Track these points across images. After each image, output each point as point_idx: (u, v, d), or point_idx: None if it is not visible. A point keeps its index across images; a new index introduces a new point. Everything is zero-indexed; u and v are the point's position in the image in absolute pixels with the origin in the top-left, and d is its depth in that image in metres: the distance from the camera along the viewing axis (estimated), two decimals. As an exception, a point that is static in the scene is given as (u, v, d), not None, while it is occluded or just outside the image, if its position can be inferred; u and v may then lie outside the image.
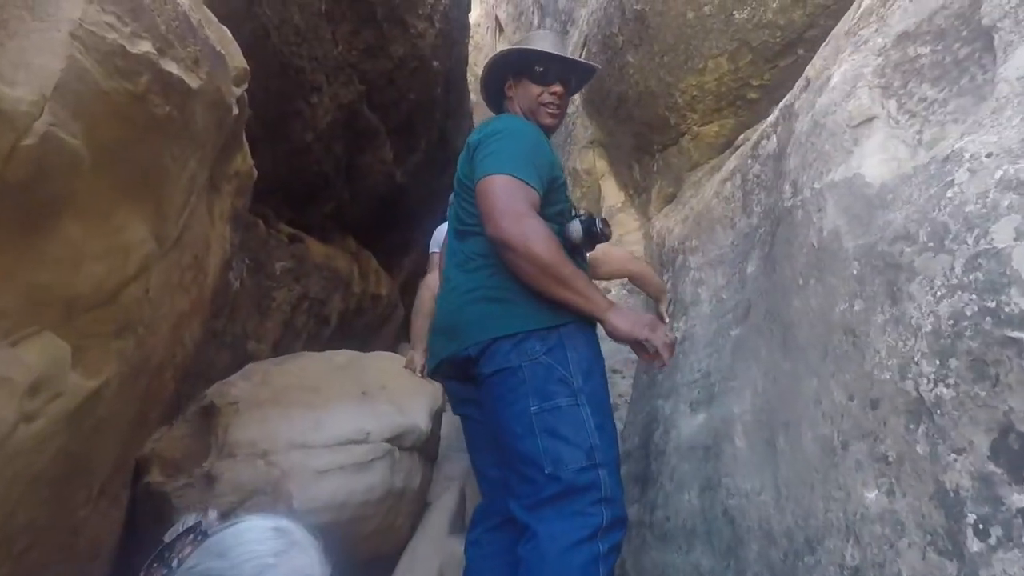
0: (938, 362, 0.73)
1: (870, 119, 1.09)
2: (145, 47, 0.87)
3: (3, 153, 0.69)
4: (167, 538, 0.86)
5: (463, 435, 1.65)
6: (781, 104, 2.14)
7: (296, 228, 3.36)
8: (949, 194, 0.78)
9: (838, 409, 0.97)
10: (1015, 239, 0.65)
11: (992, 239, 0.68)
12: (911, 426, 0.78)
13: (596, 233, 1.56)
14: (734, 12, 2.84)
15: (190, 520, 0.89)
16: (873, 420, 0.86)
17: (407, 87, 3.74)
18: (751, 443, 1.38)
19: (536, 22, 6.40)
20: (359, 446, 1.74)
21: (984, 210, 0.71)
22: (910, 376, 0.79)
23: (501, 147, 1.40)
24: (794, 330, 1.23)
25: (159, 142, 1.00)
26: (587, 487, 1.26)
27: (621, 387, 3.12)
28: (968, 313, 0.69)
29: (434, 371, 1.57)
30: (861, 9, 1.36)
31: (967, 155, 0.79)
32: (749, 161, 2.27)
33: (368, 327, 4.51)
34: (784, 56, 2.79)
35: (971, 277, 0.70)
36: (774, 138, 2.11)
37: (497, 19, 7.95)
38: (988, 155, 0.74)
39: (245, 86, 1.83)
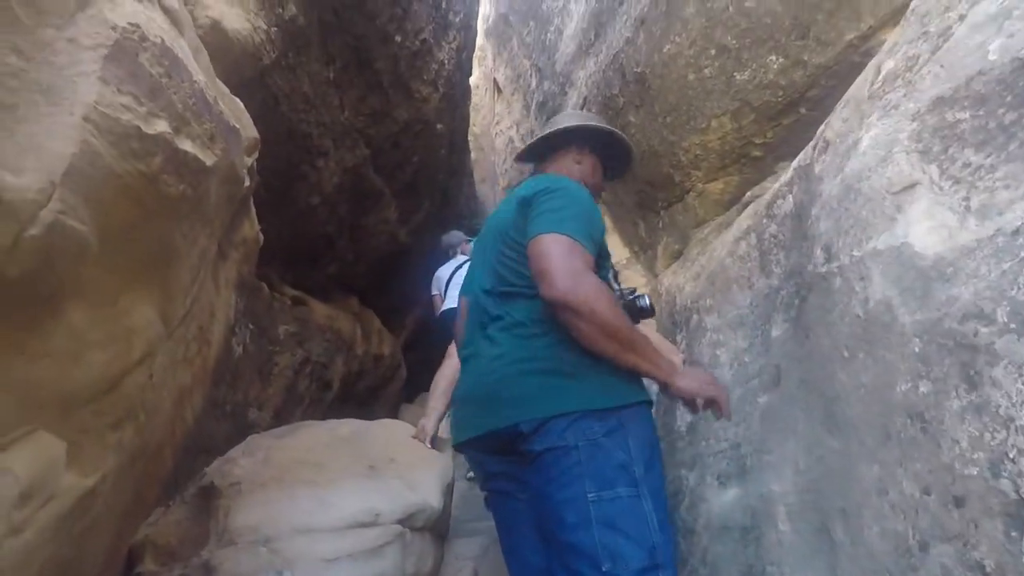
0: (1041, 460, 0.66)
1: (912, 185, 1.05)
2: (161, 127, 0.83)
3: (5, 247, 0.62)
4: None
5: (489, 511, 1.49)
6: (795, 164, 2.13)
7: (299, 289, 3.30)
8: (1028, 270, 0.73)
9: (910, 503, 0.88)
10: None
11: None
12: (1013, 533, 0.69)
13: (648, 309, 1.58)
14: (735, 74, 2.89)
15: None
16: (960, 521, 0.77)
17: (412, 150, 3.78)
18: (797, 529, 1.27)
19: (534, 84, 6.57)
20: (369, 529, 1.62)
21: (1076, 290, 0.65)
22: (1005, 475, 0.71)
23: (560, 206, 1.32)
24: (841, 405, 1.15)
25: (170, 222, 0.94)
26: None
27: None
28: (1075, 405, 0.62)
29: (463, 445, 1.43)
30: (883, 73, 1.35)
31: (1042, 228, 0.74)
32: (764, 221, 2.23)
33: (370, 389, 4.39)
34: (786, 115, 2.82)
35: (1072, 364, 0.63)
36: (790, 198, 2.08)
37: (495, 81, 8.17)
38: (1070, 229, 0.69)
39: (255, 156, 1.81)
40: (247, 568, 1.47)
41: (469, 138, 6.52)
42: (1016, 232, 0.79)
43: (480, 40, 7.90)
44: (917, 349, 0.91)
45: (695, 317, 2.70)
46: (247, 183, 1.45)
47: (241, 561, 1.47)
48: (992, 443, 0.74)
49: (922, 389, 0.89)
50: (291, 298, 3.13)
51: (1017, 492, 0.69)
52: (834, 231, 1.29)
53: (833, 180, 1.36)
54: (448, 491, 2.11)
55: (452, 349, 2.49)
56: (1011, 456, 0.71)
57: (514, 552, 1.41)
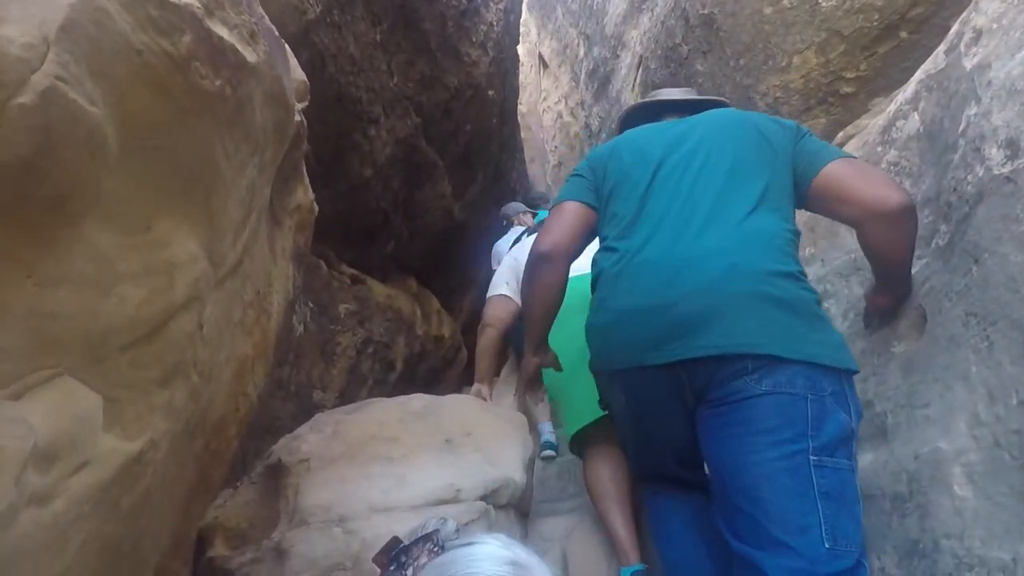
0: None
1: None
2: (188, -2, 0.65)
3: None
4: (405, 540, 0.81)
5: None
6: (919, 77, 1.81)
7: (356, 268, 3.19)
8: None
9: None
10: None
11: None
12: None
13: None
14: (820, 0, 2.57)
15: (430, 525, 0.86)
16: None
17: (463, 118, 3.60)
18: (988, 493, 1.01)
19: (582, 53, 6.30)
20: (451, 507, 1.45)
21: None
22: None
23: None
24: (1053, 332, 0.89)
25: (209, 129, 0.77)
26: (863, 570, 1.07)
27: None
28: None
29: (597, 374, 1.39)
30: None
31: None
32: (880, 149, 1.93)
33: (432, 371, 4.27)
34: (883, 42, 2.48)
35: None
36: (915, 116, 1.77)
37: (541, 56, 7.92)
38: None
39: (306, 103, 1.66)
40: (322, 550, 1.33)
41: (517, 118, 6.32)
42: None
43: (523, 15, 7.68)
44: None
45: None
46: (298, 119, 1.29)
47: (315, 542, 1.33)
48: None
49: None
50: (350, 276, 3.02)
51: None
52: (1021, 118, 1.01)
53: (1011, 60, 1.08)
54: (530, 466, 1.92)
55: (490, 318, 2.45)
56: None
57: (656, 458, 1.41)
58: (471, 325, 4.81)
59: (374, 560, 0.80)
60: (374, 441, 1.61)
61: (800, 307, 1.20)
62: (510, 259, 2.63)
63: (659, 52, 3.81)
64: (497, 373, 2.79)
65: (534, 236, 3.29)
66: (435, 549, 0.79)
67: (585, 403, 1.80)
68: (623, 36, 5.16)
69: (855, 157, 1.41)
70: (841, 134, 2.76)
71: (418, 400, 1.91)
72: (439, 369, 4.57)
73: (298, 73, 1.57)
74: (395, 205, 3.41)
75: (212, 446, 1.38)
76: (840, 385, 1.19)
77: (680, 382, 1.20)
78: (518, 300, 2.44)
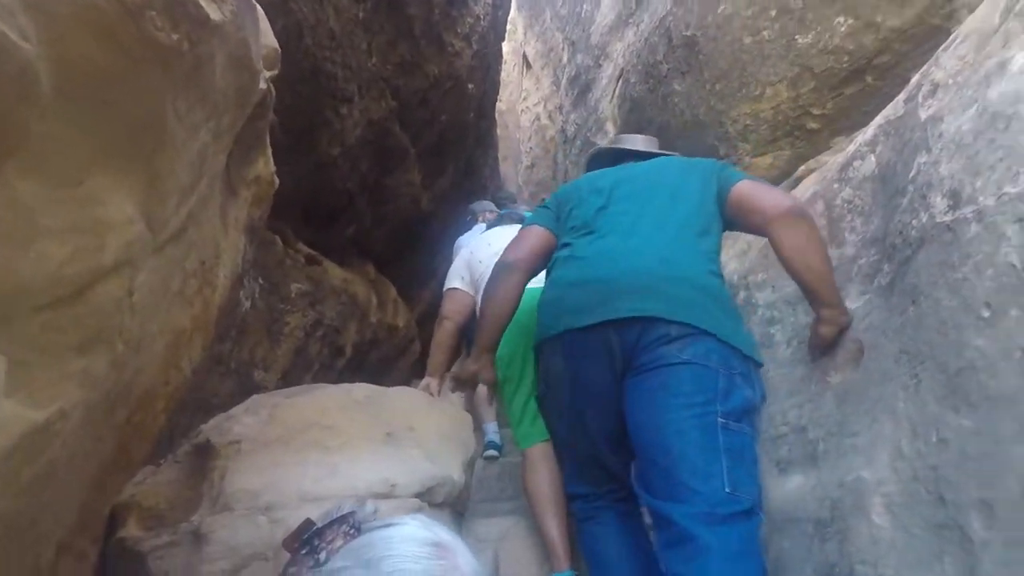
0: None
1: (1104, 98, 0.82)
2: (146, -61, 0.61)
3: None
4: (319, 522, 0.75)
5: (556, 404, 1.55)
6: (879, 121, 1.88)
7: (314, 249, 3.11)
8: None
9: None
10: None
11: None
12: None
13: None
14: (796, 36, 2.64)
15: (346, 507, 0.79)
16: None
17: (440, 108, 3.56)
18: (904, 524, 1.05)
19: (566, 58, 6.32)
20: (384, 502, 1.43)
21: None
22: None
23: None
24: (977, 376, 0.93)
25: (161, 85, 0.73)
26: (758, 517, 1.27)
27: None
28: None
29: (540, 344, 1.52)
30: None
31: None
32: (836, 186, 1.99)
33: (383, 360, 4.21)
34: (850, 83, 2.57)
35: None
36: (872, 158, 1.84)
37: (525, 56, 7.92)
38: None
39: (275, 71, 1.60)
40: (244, 537, 1.28)
41: (495, 114, 6.30)
42: None
43: (511, 13, 7.66)
44: None
45: (742, 294, 2.47)
46: (264, 87, 1.24)
47: (237, 529, 1.28)
48: None
49: None
50: (305, 256, 2.94)
51: None
52: (966, 172, 1.05)
53: (962, 115, 1.13)
54: (470, 466, 1.91)
55: (448, 310, 2.48)
56: None
57: (581, 421, 1.50)
58: (428, 317, 4.77)
59: (284, 544, 0.74)
60: (312, 428, 1.57)
61: (720, 297, 1.46)
62: (466, 252, 2.61)
63: (640, 67, 3.85)
64: (449, 368, 2.77)
65: (490, 231, 3.28)
66: (351, 531, 0.75)
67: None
68: (607, 47, 5.20)
69: (758, 180, 1.72)
70: (803, 167, 2.83)
71: (362, 389, 1.87)
72: (391, 358, 4.51)
73: (269, 39, 1.51)
74: (361, 188, 3.34)
75: (136, 419, 1.32)
76: (748, 368, 1.40)
77: (611, 344, 1.37)
78: (472, 292, 2.44)
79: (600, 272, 1.43)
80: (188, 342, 1.52)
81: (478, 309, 1.82)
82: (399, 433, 1.66)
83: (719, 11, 3.06)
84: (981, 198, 1.00)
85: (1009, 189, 0.93)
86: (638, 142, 2.14)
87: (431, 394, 2.45)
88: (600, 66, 5.10)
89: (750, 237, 2.70)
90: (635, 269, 1.40)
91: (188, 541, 1.29)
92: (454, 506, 1.77)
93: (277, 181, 2.10)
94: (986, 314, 0.94)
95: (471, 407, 3.15)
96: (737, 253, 2.78)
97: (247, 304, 2.36)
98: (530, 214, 1.91)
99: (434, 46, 3.16)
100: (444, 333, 2.51)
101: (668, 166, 1.76)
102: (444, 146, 3.90)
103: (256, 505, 1.32)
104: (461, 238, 3.81)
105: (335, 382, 2.51)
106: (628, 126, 4.08)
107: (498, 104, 7.30)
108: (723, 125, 3.06)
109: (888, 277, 1.39)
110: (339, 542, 0.75)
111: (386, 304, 4.25)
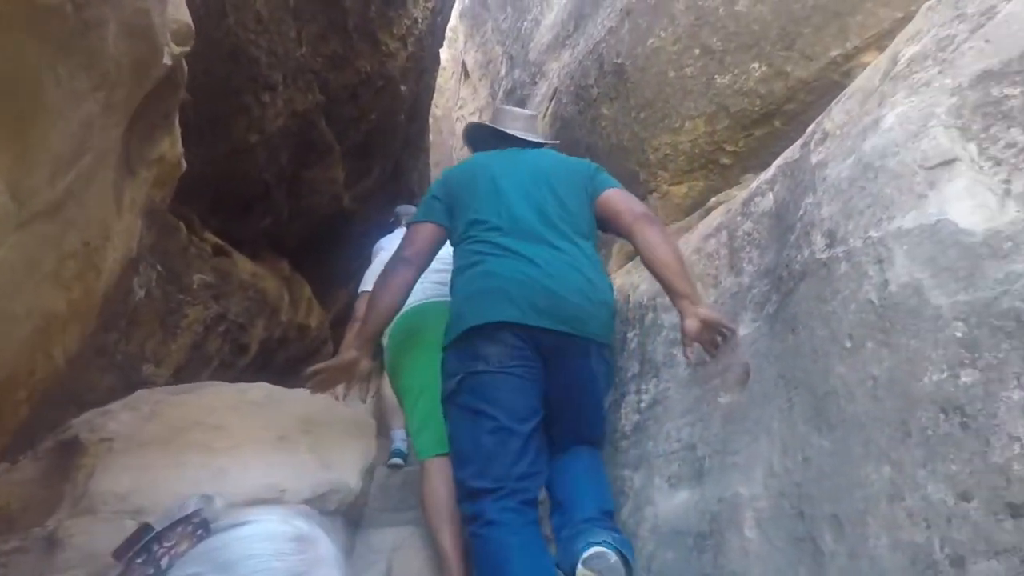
0: None
1: (951, 160, 0.93)
2: None
3: None
4: (157, 524, 0.69)
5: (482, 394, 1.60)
6: (778, 163, 2.03)
7: (224, 239, 2.95)
8: None
9: (940, 510, 0.74)
10: None
11: None
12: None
13: None
14: (716, 76, 2.81)
15: (191, 505, 0.73)
16: (1016, 533, 0.64)
17: (370, 107, 3.49)
18: (769, 537, 1.13)
19: (504, 71, 6.40)
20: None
21: None
22: (1093, 480, 0.58)
23: None
24: (838, 401, 1.02)
25: (37, 47, 0.67)
26: None
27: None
28: None
29: (498, 325, 1.59)
30: (906, 58, 1.25)
31: None
32: (739, 218, 2.13)
33: (291, 361, 4.04)
34: (760, 126, 2.76)
35: None
36: (770, 195, 1.98)
37: (464, 65, 7.93)
38: None
39: (188, 47, 1.51)
40: (106, 543, 1.17)
41: (430, 120, 6.26)
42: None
43: (453, 20, 7.65)
44: (959, 334, 0.78)
45: (650, 315, 2.58)
46: (169, 63, 1.17)
47: (98, 534, 1.17)
48: (1076, 443, 0.60)
49: (964, 379, 0.76)
50: (212, 246, 2.78)
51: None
52: (841, 214, 1.16)
53: (842, 163, 1.24)
54: (368, 474, 1.86)
55: (360, 312, 2.44)
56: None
57: (506, 415, 1.62)
58: (343, 319, 4.63)
59: (114, 554, 0.68)
60: (197, 428, 1.47)
61: (613, 312, 1.90)
62: (384, 256, 2.56)
63: (572, 88, 3.96)
64: (357, 371, 2.69)
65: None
66: (199, 532, 0.70)
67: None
68: (544, 65, 5.30)
69: (621, 187, 1.95)
70: (714, 199, 2.99)
71: (259, 389, 1.79)
72: (300, 359, 4.33)
73: (181, 13, 1.43)
74: (279, 180, 3.21)
75: (-10, 409, 1.19)
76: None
77: (544, 346, 1.62)
78: None
79: (548, 282, 1.62)
80: (62, 329, 1.39)
81: (372, 294, 1.79)
82: (293, 436, 1.59)
83: (648, 43, 3.19)
84: (851, 239, 1.10)
85: (873, 233, 1.04)
86: (519, 122, 2.19)
87: (335, 396, 2.38)
88: (536, 83, 5.20)
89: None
90: (577, 290, 1.66)
91: (40, 547, 1.17)
92: (348, 514, 1.71)
93: (184, 164, 1.99)
94: (848, 345, 1.03)
95: (379, 413, 3.08)
96: (648, 275, 2.90)
97: (141, 293, 2.20)
98: (418, 207, 1.92)
99: (368, 43, 3.11)
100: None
101: (556, 164, 1.92)
102: (372, 146, 3.83)
103: (123, 508, 1.22)
104: (381, 240, 3.74)
105: (236, 381, 2.38)
106: (559, 146, 4.16)
107: (434, 110, 7.25)
108: (645, 152, 3.19)
109: (775, 306, 1.50)
110: (184, 545, 0.70)
111: (299, 303, 4.09)
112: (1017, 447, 0.67)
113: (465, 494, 1.59)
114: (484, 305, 1.59)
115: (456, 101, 8.04)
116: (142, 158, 1.72)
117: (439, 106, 7.54)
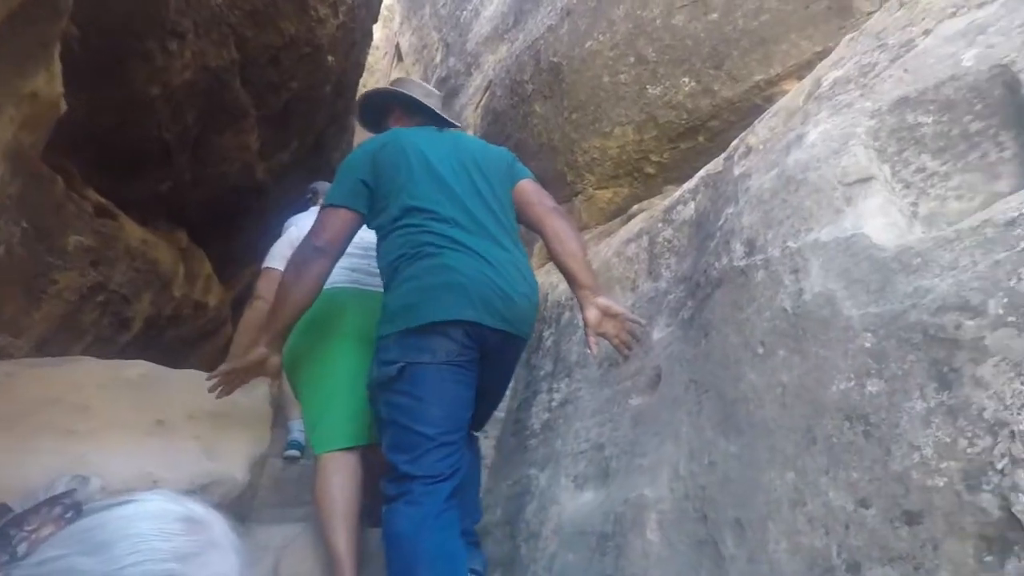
0: (1047, 477, 0.54)
1: (868, 179, 0.97)
2: None
3: None
4: (16, 507, 0.63)
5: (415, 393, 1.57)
6: (702, 174, 2.09)
7: (111, 200, 2.65)
8: (1034, 260, 0.63)
9: (839, 516, 0.75)
10: None
11: None
12: (988, 557, 0.58)
13: None
14: (648, 86, 2.87)
15: (60, 485, 0.71)
16: (911, 540, 0.65)
17: (292, 74, 3.27)
18: (670, 539, 1.13)
19: (439, 59, 6.28)
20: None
21: (1109, 283, 0.55)
22: (987, 488, 0.59)
23: None
24: (747, 407, 1.03)
25: None
26: None
27: (484, 449, 2.79)
28: (1105, 415, 0.52)
29: (454, 322, 1.57)
30: (829, 80, 1.30)
31: (1050, 219, 0.65)
32: (660, 225, 2.17)
33: (183, 342, 3.72)
34: (686, 139, 2.85)
35: (1103, 367, 0.53)
36: (692, 205, 2.03)
37: (398, 47, 7.70)
38: (1091, 220, 0.60)
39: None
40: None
41: (359, 98, 5.98)
42: (1012, 223, 0.70)
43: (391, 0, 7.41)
44: (868, 344, 0.80)
45: (567, 314, 2.59)
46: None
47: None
48: (970, 451, 0.63)
49: (870, 388, 0.77)
50: (95, 206, 2.47)
51: (1006, 509, 0.58)
52: (762, 224, 1.19)
53: (765, 175, 1.28)
54: (258, 466, 1.71)
55: (262, 290, 2.28)
56: (999, 467, 0.59)
57: (450, 406, 1.62)
58: (247, 299, 4.33)
59: None
60: (55, 407, 1.28)
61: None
62: (294, 232, 2.39)
63: (507, 82, 3.93)
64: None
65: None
66: (67, 515, 0.64)
67: (349, 421, 1.74)
68: (480, 57, 5.25)
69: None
70: (636, 206, 3.06)
71: (137, 367, 1.59)
72: (193, 340, 4.00)
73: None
74: (183, 141, 2.93)
75: None
76: None
77: (489, 343, 1.63)
78: None
79: (499, 283, 1.63)
80: None
81: (281, 287, 1.62)
82: (174, 422, 1.43)
83: (586, 46, 3.22)
84: (770, 248, 1.13)
85: (791, 243, 1.06)
86: (433, 98, 2.10)
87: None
88: (471, 74, 5.13)
89: (584, 262, 2.83)
90: (522, 294, 1.69)
91: None
92: (232, 508, 1.56)
93: (64, 106, 1.75)
94: (760, 351, 1.05)
95: (277, 401, 2.89)
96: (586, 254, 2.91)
97: (0, 250, 1.91)
98: (333, 185, 1.74)
99: (294, 3, 2.91)
100: (256, 314, 2.26)
101: (482, 150, 1.92)
102: (292, 116, 3.59)
103: (-49, 496, 1.03)
104: (293, 217, 3.54)
105: (114, 359, 2.13)
106: (488, 137, 4.14)
107: (362, 87, 6.96)
108: (574, 154, 3.21)
109: (690, 312, 1.52)
110: (48, 529, 0.64)
111: (196, 278, 3.77)
112: (916, 456, 0.69)
113: (395, 476, 1.54)
114: (444, 301, 1.56)
115: (387, 83, 7.80)
116: (11, 92, 1.49)
117: (368, 86, 7.28)
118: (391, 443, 1.58)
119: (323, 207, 1.72)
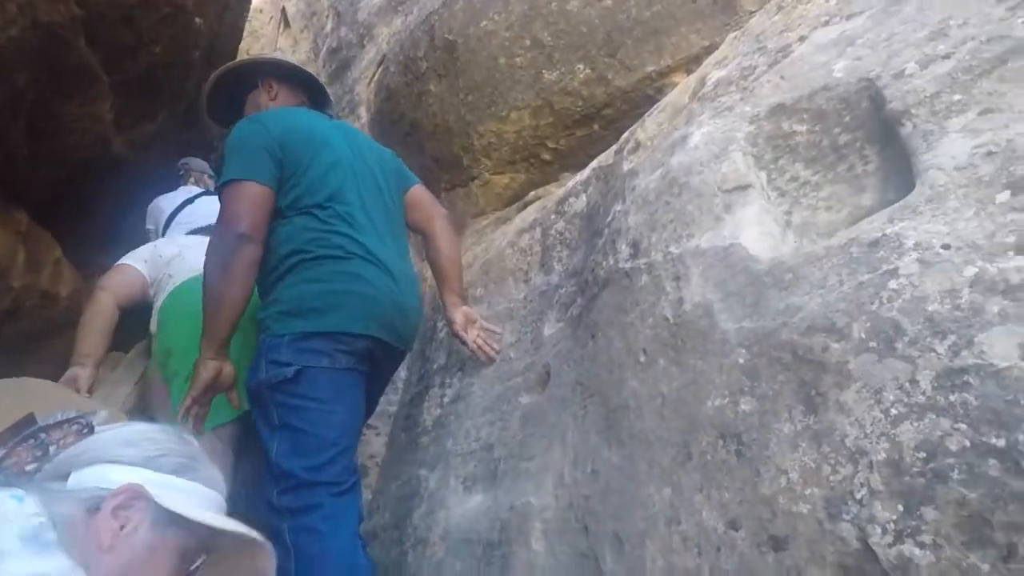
0: (901, 507, 0.55)
1: (746, 186, 0.96)
2: None
3: None
4: (40, 421, 0.81)
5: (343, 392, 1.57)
6: (593, 165, 2.08)
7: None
8: (894, 285, 0.63)
9: (711, 538, 0.74)
10: (1025, 358, 0.50)
11: (983, 352, 0.52)
12: (848, 590, 0.58)
13: None
14: (544, 71, 2.84)
15: (70, 412, 0.85)
16: (776, 566, 0.65)
17: (152, 36, 2.89)
18: (555, 551, 1.11)
19: (329, 28, 5.91)
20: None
21: (959, 313, 0.56)
22: (847, 518, 0.59)
23: None
24: (628, 416, 1.02)
25: None
26: None
27: (375, 446, 2.68)
28: (953, 448, 0.52)
29: (360, 335, 1.56)
30: (713, 80, 1.30)
31: (909, 243, 0.66)
32: (553, 216, 2.14)
33: (27, 338, 3.24)
34: (581, 127, 2.85)
35: (952, 399, 0.53)
36: (584, 197, 2.01)
37: (284, 12, 7.14)
38: (945, 247, 0.61)
39: None
40: None
41: (215, 75, 5.48)
42: (875, 244, 0.71)
43: (275, -41, 6.82)
44: (742, 360, 0.79)
45: (463, 306, 2.51)
46: None
47: None
48: (833, 478, 0.63)
49: (743, 407, 0.77)
50: None
51: (864, 541, 0.58)
52: (647, 226, 1.17)
53: (651, 175, 1.26)
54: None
55: (108, 282, 2.16)
56: (858, 497, 0.59)
57: (350, 411, 1.60)
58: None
59: None
60: None
61: None
62: (179, 228, 2.19)
63: (401, 58, 3.75)
64: (106, 354, 2.24)
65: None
66: (83, 431, 0.80)
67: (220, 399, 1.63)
68: (373, 28, 4.99)
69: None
70: (532, 193, 3.03)
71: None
72: (40, 336, 3.50)
73: None
74: (14, 110, 2.50)
75: None
76: None
77: (380, 355, 1.64)
78: (147, 278, 2.04)
79: (402, 298, 1.65)
80: None
81: (211, 289, 1.44)
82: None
83: (481, 25, 3.12)
84: (653, 252, 1.11)
85: (673, 249, 1.05)
86: (313, 84, 2.02)
87: (78, 390, 1.96)
88: (363, 46, 4.87)
89: (478, 250, 2.78)
90: (414, 308, 1.72)
91: None
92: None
93: None
94: (642, 359, 1.03)
95: (143, 406, 2.61)
96: (464, 264, 2.83)
97: None
98: (236, 159, 1.55)
99: (150, -43, 2.55)
100: (98, 306, 2.05)
101: (373, 148, 1.90)
102: (156, 84, 3.19)
103: None
104: (161, 198, 3.20)
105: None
106: (382, 114, 3.96)
107: (246, 54, 6.39)
108: (470, 137, 3.12)
109: (579, 310, 1.50)
110: (71, 439, 0.79)
111: (42, 265, 3.29)
112: (784, 480, 0.69)
113: (293, 485, 1.42)
114: (354, 312, 1.54)
115: (273, 50, 7.23)
116: None
117: (252, 51, 6.69)
118: (287, 449, 1.46)
119: (226, 184, 1.52)
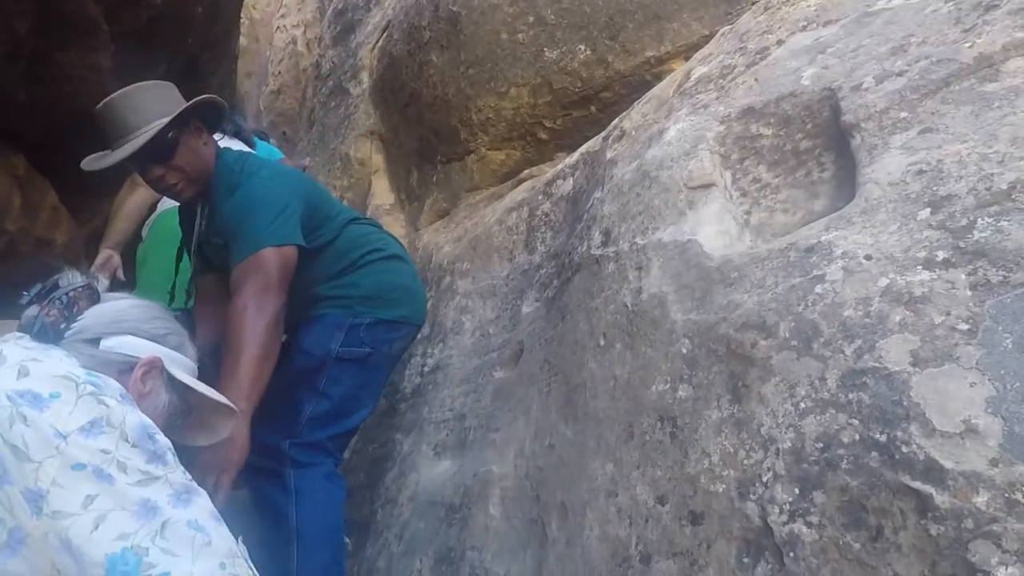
0: (797, 491, 0.61)
1: (709, 185, 1.01)
2: None
3: None
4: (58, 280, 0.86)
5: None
6: (582, 150, 2.11)
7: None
8: (819, 290, 0.68)
9: (641, 510, 0.81)
10: (913, 364, 0.55)
11: (881, 357, 0.58)
12: (745, 559, 0.64)
13: None
14: (545, 49, 2.83)
15: (78, 278, 0.88)
16: (691, 538, 0.71)
17: (155, -12, 2.88)
18: (509, 516, 1.18)
19: (337, -12, 5.82)
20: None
21: (868, 320, 0.61)
22: (753, 498, 0.65)
23: None
24: (584, 395, 1.08)
25: None
26: None
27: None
28: (845, 441, 0.58)
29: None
30: (696, 76, 1.33)
31: (838, 251, 0.70)
32: (540, 197, 2.18)
33: (17, 283, 3.29)
34: (578, 108, 2.86)
35: (851, 397, 0.59)
36: (571, 180, 2.05)
37: (292, -32, 6.99)
38: (867, 257, 0.66)
39: None
40: None
41: (244, 21, 5.46)
42: (811, 250, 0.76)
43: (284, -88, 6.67)
44: (685, 350, 0.85)
45: (448, 279, 2.57)
46: None
47: None
48: (746, 462, 0.69)
49: (681, 393, 0.82)
50: None
51: (763, 519, 0.64)
52: (619, 215, 1.21)
53: (628, 165, 1.30)
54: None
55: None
56: (764, 480, 0.65)
57: (375, 400, 1.80)
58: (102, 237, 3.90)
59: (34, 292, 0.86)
60: None
61: None
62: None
63: (406, 26, 3.73)
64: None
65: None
66: (94, 297, 0.86)
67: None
68: (383, -9, 4.91)
69: None
70: (526, 172, 3.05)
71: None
72: (32, 282, 3.55)
73: None
74: (13, 56, 2.51)
75: None
76: None
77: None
78: None
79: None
80: None
81: (264, 348, 1.39)
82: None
83: (486, -2, 3.09)
84: (621, 242, 1.16)
85: (639, 240, 1.09)
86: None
87: (106, 274, 2.12)
88: (370, 10, 4.81)
89: (468, 224, 2.81)
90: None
91: None
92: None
93: None
94: (602, 343, 1.09)
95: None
96: (453, 238, 2.88)
97: None
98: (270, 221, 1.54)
99: (156, -95, 2.53)
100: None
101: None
102: (156, 36, 3.19)
103: None
104: None
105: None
106: (383, 82, 3.95)
107: (251, 11, 6.31)
108: (469, 111, 3.13)
109: (554, 291, 1.55)
110: (84, 303, 0.85)
111: (39, 210, 3.32)
112: (706, 462, 0.75)
113: (310, 444, 1.55)
114: (414, 304, 1.81)
115: (279, 7, 7.12)
116: None
117: (256, 7, 6.60)
118: (320, 416, 1.56)
119: (271, 248, 1.48)
